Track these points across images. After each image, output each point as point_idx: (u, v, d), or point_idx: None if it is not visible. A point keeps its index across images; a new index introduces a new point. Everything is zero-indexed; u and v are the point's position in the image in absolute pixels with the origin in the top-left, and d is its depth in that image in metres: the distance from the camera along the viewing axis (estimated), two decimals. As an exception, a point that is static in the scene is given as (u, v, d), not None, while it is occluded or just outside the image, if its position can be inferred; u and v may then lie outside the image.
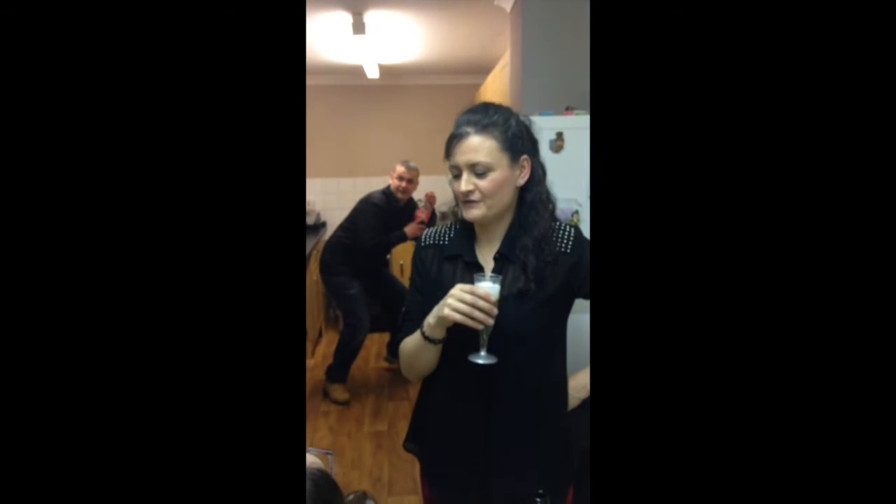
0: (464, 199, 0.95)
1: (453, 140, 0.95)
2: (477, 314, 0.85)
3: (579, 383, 1.06)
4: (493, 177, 0.92)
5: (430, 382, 1.06)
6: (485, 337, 0.90)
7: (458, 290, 0.86)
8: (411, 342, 0.98)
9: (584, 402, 1.05)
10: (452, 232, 1.05)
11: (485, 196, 0.93)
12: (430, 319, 0.92)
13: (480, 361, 0.90)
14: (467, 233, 1.02)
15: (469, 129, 0.93)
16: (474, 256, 0.99)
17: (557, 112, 1.93)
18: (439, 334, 0.92)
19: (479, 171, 0.92)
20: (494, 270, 0.98)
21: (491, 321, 0.87)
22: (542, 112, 1.87)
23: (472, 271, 0.97)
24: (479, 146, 0.92)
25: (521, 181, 0.97)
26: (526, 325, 0.96)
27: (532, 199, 0.98)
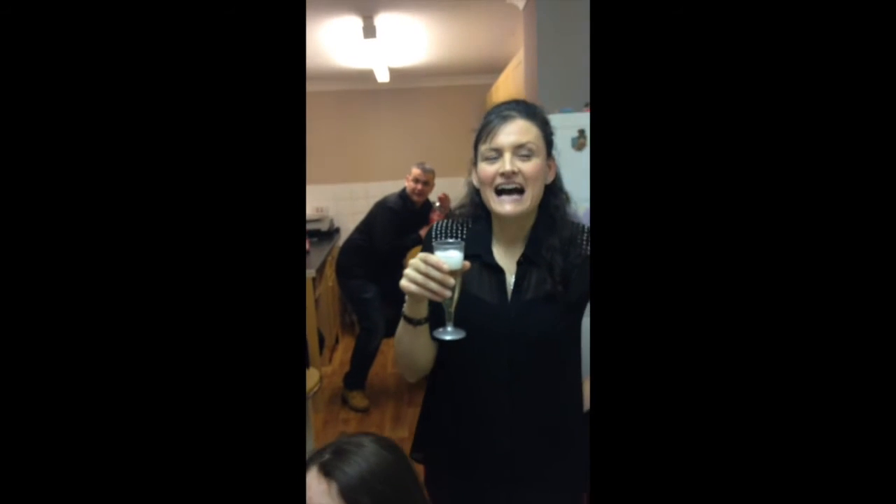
0: (501, 186, 0.89)
1: (494, 122, 0.90)
2: (431, 285, 0.79)
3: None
4: (536, 162, 0.89)
5: (441, 389, 1.02)
6: (450, 310, 0.83)
7: (414, 259, 0.81)
8: (398, 331, 0.93)
9: None
10: (466, 229, 0.98)
11: (527, 181, 0.88)
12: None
13: (447, 338, 0.84)
14: (484, 231, 0.96)
15: (513, 113, 0.90)
16: (492, 258, 0.94)
17: (576, 109, 1.89)
18: (415, 313, 0.87)
19: (524, 153, 0.88)
20: (517, 274, 0.93)
21: (447, 293, 0.80)
22: (562, 109, 1.83)
23: (491, 274, 0.93)
24: (527, 129, 0.89)
25: (549, 179, 0.94)
26: (553, 331, 0.92)
27: (558, 200, 0.96)
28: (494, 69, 3.91)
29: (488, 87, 4.14)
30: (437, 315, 0.88)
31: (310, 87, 4.31)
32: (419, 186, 2.91)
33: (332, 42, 3.17)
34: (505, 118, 0.90)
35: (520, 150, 0.88)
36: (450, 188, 3.58)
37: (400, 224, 2.88)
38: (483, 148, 0.91)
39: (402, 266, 3.54)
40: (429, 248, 0.99)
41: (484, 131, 0.92)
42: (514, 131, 0.89)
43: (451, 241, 0.83)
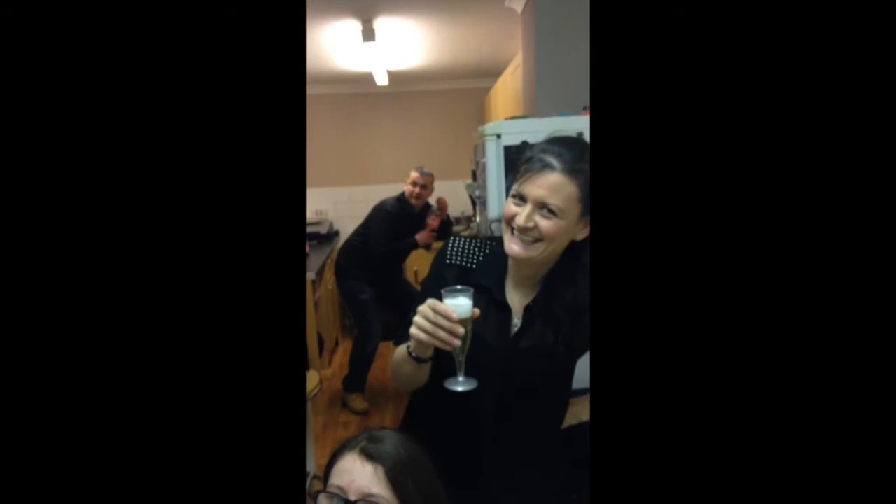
0: (515, 231, 0.84)
1: (531, 167, 0.83)
2: (440, 333, 0.76)
3: (574, 413, 1.02)
4: (559, 222, 0.82)
5: (421, 412, 1.01)
6: (460, 358, 0.80)
7: (423, 307, 0.77)
8: (400, 354, 0.88)
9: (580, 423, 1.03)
10: (482, 255, 0.94)
11: (543, 238, 0.83)
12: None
13: (459, 388, 0.81)
14: (499, 261, 0.91)
15: (556, 164, 0.81)
16: (503, 295, 0.90)
17: (575, 112, 1.89)
18: (422, 353, 0.83)
19: (548, 212, 0.82)
20: (524, 319, 0.90)
21: (457, 342, 0.77)
22: (561, 113, 1.83)
23: (498, 312, 0.90)
24: (561, 188, 0.81)
25: (580, 237, 0.87)
26: (545, 379, 0.91)
27: (587, 260, 0.87)
28: (493, 73, 3.92)
29: (487, 90, 4.15)
30: (442, 356, 0.85)
31: (309, 90, 4.32)
32: (417, 190, 2.91)
33: (331, 45, 3.18)
34: (544, 167, 0.81)
35: (544, 207, 0.82)
36: (448, 191, 3.59)
37: (396, 227, 2.88)
38: (515, 185, 0.85)
39: (399, 269, 3.49)
40: (441, 265, 0.95)
41: (524, 167, 0.84)
42: (545, 186, 0.81)
43: (459, 287, 0.79)
